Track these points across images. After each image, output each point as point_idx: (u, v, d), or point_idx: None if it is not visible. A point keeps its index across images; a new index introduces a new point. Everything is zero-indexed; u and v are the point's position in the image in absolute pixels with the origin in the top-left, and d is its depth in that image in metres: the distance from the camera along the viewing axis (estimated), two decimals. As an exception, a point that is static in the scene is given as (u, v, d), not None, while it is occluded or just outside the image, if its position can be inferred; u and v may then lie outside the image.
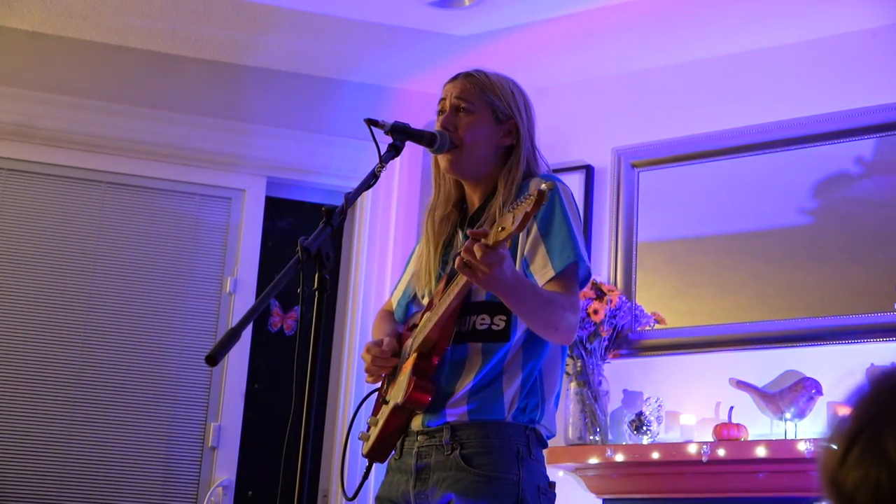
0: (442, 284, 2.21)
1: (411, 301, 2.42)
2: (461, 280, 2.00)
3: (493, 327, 2.15)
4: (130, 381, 3.97)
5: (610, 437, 3.70)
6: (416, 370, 2.13)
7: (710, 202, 3.90)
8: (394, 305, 2.48)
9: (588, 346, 3.68)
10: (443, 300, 2.10)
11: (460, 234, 2.29)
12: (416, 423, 2.18)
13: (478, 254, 1.85)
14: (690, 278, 3.85)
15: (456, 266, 1.92)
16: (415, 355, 2.15)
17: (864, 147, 3.64)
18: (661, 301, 3.83)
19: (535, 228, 2.13)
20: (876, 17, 3.69)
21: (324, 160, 4.27)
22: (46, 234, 4.03)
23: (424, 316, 2.22)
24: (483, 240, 1.86)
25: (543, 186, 1.76)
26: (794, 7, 3.67)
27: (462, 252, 1.89)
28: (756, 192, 3.81)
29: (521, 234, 2.11)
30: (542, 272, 2.11)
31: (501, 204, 2.18)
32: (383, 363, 2.27)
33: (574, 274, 2.13)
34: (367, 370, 2.31)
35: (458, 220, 2.33)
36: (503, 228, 1.82)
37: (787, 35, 3.83)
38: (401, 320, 2.45)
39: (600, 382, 3.69)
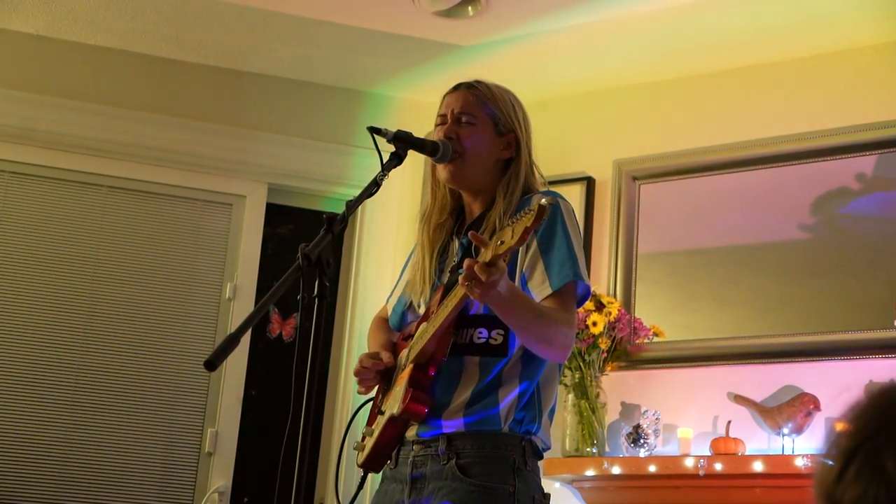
0: (438, 294, 2.19)
1: (407, 309, 2.40)
2: (459, 291, 1.99)
3: (491, 341, 2.13)
4: (129, 384, 3.97)
5: (607, 449, 3.69)
6: (412, 381, 2.11)
7: (710, 216, 3.90)
8: (389, 312, 2.48)
9: (586, 357, 3.68)
10: (440, 311, 2.09)
11: (456, 242, 2.28)
12: (411, 432, 2.17)
13: (482, 276, 1.84)
14: (690, 291, 3.85)
15: (460, 282, 1.92)
16: (411, 366, 2.13)
17: (865, 163, 3.64)
18: (660, 314, 3.83)
19: (534, 244, 2.12)
20: (877, 34, 3.69)
21: (325, 167, 4.27)
22: (47, 237, 4.03)
23: (421, 326, 2.20)
24: (482, 251, 1.85)
25: (544, 201, 1.76)
26: (795, 23, 3.67)
27: (465, 269, 1.88)
28: (756, 206, 3.81)
29: (521, 249, 2.10)
30: (540, 289, 2.10)
31: (501, 214, 2.17)
32: (368, 375, 2.26)
33: (572, 292, 2.12)
34: (357, 382, 2.31)
35: (452, 227, 2.32)
36: (502, 242, 1.81)
37: (788, 51, 3.84)
38: (396, 327, 2.44)
39: (598, 394, 3.68)
